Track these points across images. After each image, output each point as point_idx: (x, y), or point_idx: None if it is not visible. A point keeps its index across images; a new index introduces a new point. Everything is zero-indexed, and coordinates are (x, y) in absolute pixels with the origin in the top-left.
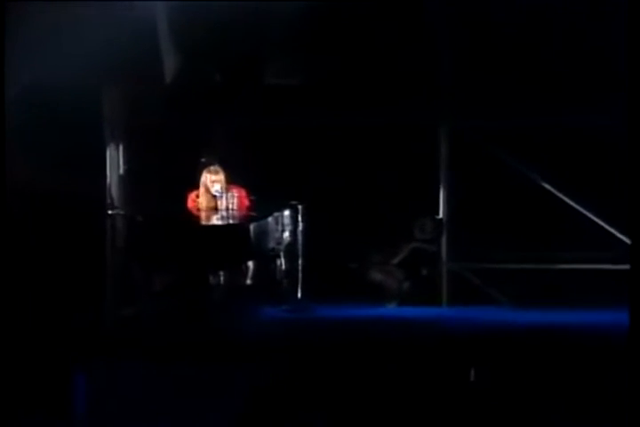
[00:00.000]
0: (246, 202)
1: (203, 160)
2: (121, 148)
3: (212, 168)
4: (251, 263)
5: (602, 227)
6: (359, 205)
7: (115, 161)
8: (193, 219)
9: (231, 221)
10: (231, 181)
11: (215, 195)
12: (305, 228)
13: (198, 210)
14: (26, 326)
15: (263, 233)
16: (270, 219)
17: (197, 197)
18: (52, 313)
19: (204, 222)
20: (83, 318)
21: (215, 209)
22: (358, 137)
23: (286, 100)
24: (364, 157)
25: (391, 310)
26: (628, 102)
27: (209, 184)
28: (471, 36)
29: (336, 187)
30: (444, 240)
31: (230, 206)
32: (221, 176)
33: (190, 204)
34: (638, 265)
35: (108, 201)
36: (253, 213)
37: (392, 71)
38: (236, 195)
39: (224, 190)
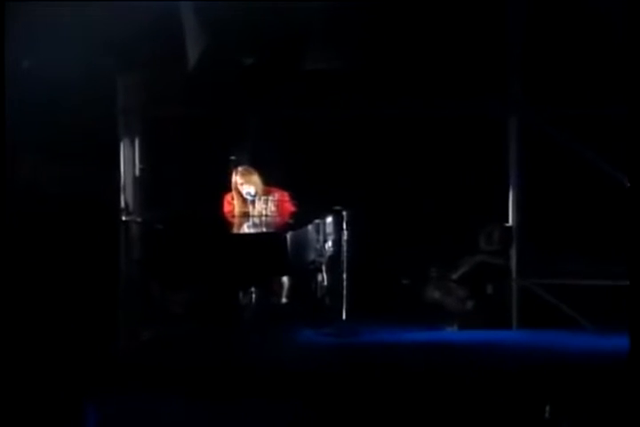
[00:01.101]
0: (289, 207)
1: (233, 158)
2: (137, 143)
3: (240, 169)
4: (287, 279)
5: None
6: (414, 210)
7: (130, 159)
8: (221, 227)
9: (265, 230)
10: (271, 182)
11: (247, 198)
12: (351, 237)
13: (234, 215)
14: (29, 351)
15: (302, 243)
16: (310, 227)
17: (233, 199)
18: (58, 338)
19: (234, 231)
20: (93, 343)
21: (247, 215)
22: (414, 132)
23: (332, 88)
24: (421, 155)
25: (451, 333)
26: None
27: (239, 187)
28: (541, 23)
29: (387, 190)
30: (513, 252)
31: (265, 212)
32: (252, 178)
33: (226, 207)
34: None
35: (122, 206)
36: (291, 221)
37: (453, 57)
38: (275, 199)
39: (258, 193)
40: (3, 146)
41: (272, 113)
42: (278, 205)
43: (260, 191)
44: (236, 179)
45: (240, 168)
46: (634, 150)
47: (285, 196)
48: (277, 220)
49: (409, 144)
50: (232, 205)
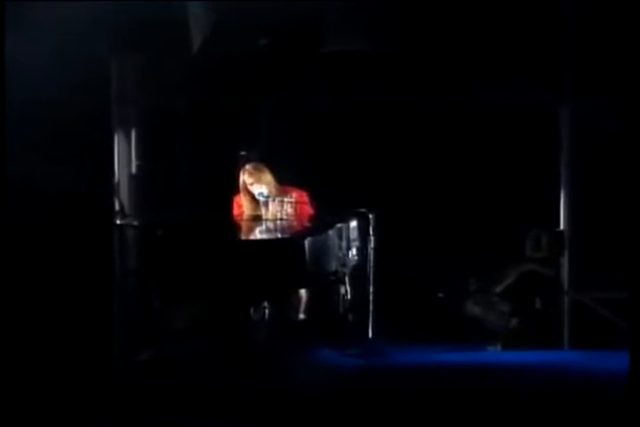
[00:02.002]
0: (308, 209)
1: (243, 154)
2: (133, 137)
3: (248, 167)
4: (305, 292)
5: None
6: (451, 213)
7: (125, 154)
8: (230, 232)
9: (280, 235)
10: (286, 181)
11: (259, 200)
12: (378, 244)
13: (244, 219)
14: (11, 375)
15: (322, 251)
16: (332, 232)
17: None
18: (44, 359)
19: (245, 237)
20: (85, 365)
21: (260, 218)
22: (451, 124)
23: (357, 74)
24: (459, 151)
25: (494, 354)
26: None
27: (248, 187)
28: (594, 10)
29: (420, 189)
30: (564, 260)
31: (280, 215)
32: (263, 176)
33: (236, 210)
34: None
35: (116, 208)
36: (310, 225)
37: (497, 40)
38: (292, 200)
39: (272, 194)
40: (3, 145)
41: (287, 102)
42: (295, 206)
43: (273, 191)
44: (244, 178)
45: (248, 166)
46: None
47: (304, 196)
48: (294, 224)
49: (445, 138)
50: (242, 208)
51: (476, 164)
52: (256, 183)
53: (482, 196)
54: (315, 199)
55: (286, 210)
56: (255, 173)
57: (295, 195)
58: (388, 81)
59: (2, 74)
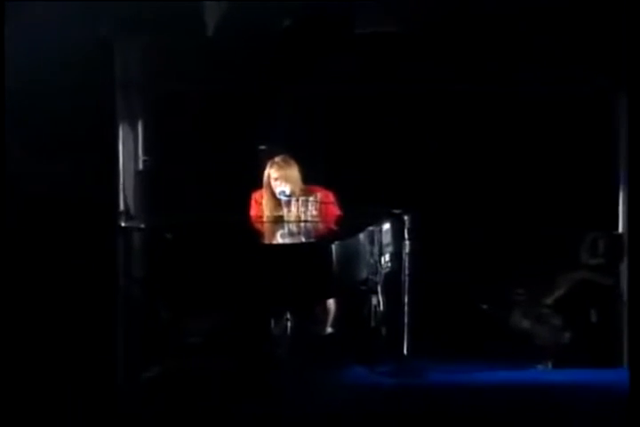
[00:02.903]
0: (335, 210)
1: (262, 148)
2: (140, 128)
3: (277, 160)
4: (332, 303)
5: None
6: (496, 214)
7: (130, 149)
8: (248, 236)
9: (303, 239)
10: (312, 179)
11: (280, 199)
12: (414, 249)
13: (263, 220)
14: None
15: (351, 257)
16: (362, 236)
17: (263, 199)
18: (45, 377)
19: (264, 241)
20: (87, 382)
21: (281, 220)
22: (496, 113)
23: (392, 57)
24: (504, 144)
25: (544, 373)
26: None
27: (272, 183)
28: None
29: (461, 188)
30: (624, 267)
31: (304, 216)
32: (290, 172)
33: (253, 210)
34: None
35: (121, 209)
36: (337, 228)
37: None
38: (317, 200)
39: (295, 193)
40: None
41: (311, 90)
42: (320, 207)
43: (297, 190)
44: (270, 172)
45: (277, 158)
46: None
47: (330, 196)
48: (320, 226)
49: (490, 129)
50: (261, 206)
51: (523, 159)
52: (281, 179)
53: (531, 195)
54: (342, 199)
55: (311, 211)
56: (284, 166)
57: (320, 195)
58: (425, 66)
59: (2, 74)
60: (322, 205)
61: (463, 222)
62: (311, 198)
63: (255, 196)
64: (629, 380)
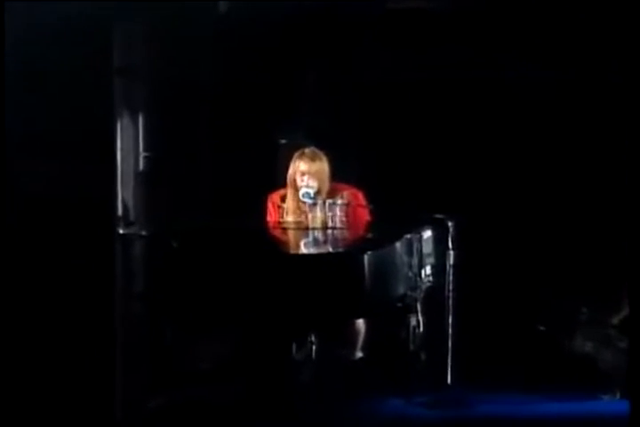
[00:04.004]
0: (365, 215)
1: (283, 142)
2: (140, 120)
3: (306, 151)
4: (364, 323)
5: None
6: (553, 222)
7: (130, 144)
8: (266, 245)
9: (330, 249)
10: (339, 177)
11: (304, 201)
12: (460, 260)
13: (283, 226)
14: None
15: (386, 270)
16: (398, 245)
17: (283, 201)
18: (34, 408)
19: (285, 250)
20: (83, 413)
21: (304, 225)
22: (550, 101)
23: (427, 39)
24: (563, 138)
25: (610, 403)
26: None
27: (297, 179)
28: None
29: (515, 188)
30: None
31: (330, 222)
32: (318, 166)
33: (271, 213)
34: None
35: (119, 213)
36: (369, 235)
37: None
38: (344, 201)
39: (322, 192)
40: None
41: (337, 77)
42: (348, 211)
43: (323, 190)
44: (297, 166)
45: (306, 150)
46: None
47: (359, 197)
48: (349, 233)
49: (547, 122)
50: (280, 210)
51: (586, 158)
52: (309, 175)
53: (593, 201)
54: (375, 201)
55: (340, 216)
56: (314, 159)
57: (348, 195)
58: (465, 49)
59: (2, 73)
60: (349, 207)
61: (518, 230)
62: (339, 201)
63: (273, 198)
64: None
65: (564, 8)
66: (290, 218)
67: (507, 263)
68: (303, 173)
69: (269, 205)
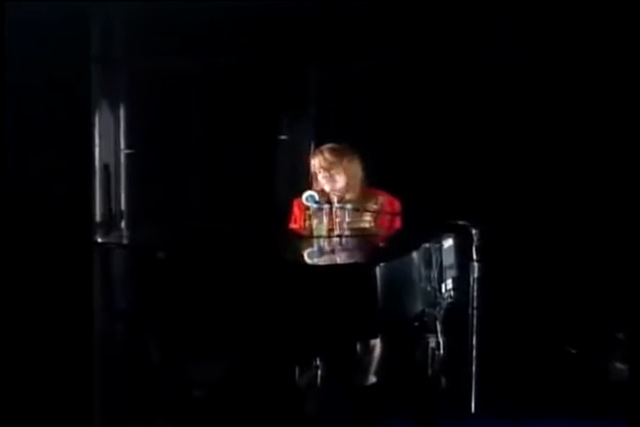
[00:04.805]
0: (398, 224)
1: (283, 138)
2: (122, 114)
3: (323, 148)
4: (376, 345)
5: None
6: (588, 229)
7: (109, 139)
8: (267, 255)
9: (338, 260)
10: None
11: (308, 205)
12: (484, 273)
13: (306, 231)
14: None
15: (401, 284)
16: (416, 255)
17: (316, 201)
18: None
19: (288, 262)
20: None
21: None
22: (584, 90)
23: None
24: (600, 137)
25: None
26: None
27: (319, 181)
28: None
29: (547, 193)
30: None
31: (339, 228)
32: (345, 164)
33: (295, 219)
34: None
35: (97, 219)
36: (383, 244)
37: None
38: (377, 207)
39: (344, 194)
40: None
41: (348, 65)
42: (385, 219)
43: (350, 191)
44: (314, 165)
45: (324, 147)
46: None
47: (396, 206)
48: (362, 242)
49: (580, 123)
50: (304, 218)
51: (626, 160)
52: (329, 176)
53: (634, 207)
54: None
55: (368, 222)
56: (334, 156)
57: (383, 201)
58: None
59: (2, 74)
60: (382, 215)
61: (551, 239)
62: (374, 205)
63: (299, 202)
64: None
65: None
66: (308, 224)
67: (538, 277)
68: (322, 173)
69: (295, 209)
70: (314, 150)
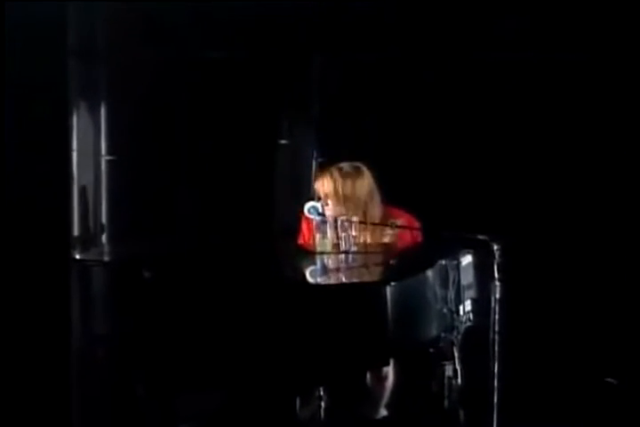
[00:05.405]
0: (418, 239)
1: (283, 143)
2: (103, 116)
3: (339, 166)
4: (387, 373)
5: None
6: (626, 241)
7: (89, 145)
8: (265, 275)
9: (344, 279)
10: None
11: (311, 217)
12: (507, 294)
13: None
14: None
15: (415, 306)
16: (431, 274)
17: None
18: None
19: (287, 281)
20: None
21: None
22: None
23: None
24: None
25: None
26: None
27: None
28: None
29: (579, 203)
30: None
31: (345, 244)
32: (352, 187)
33: (303, 234)
34: None
35: (75, 233)
36: (394, 261)
37: None
38: (394, 233)
39: (375, 215)
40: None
41: (348, 58)
42: (405, 238)
43: (365, 218)
44: (319, 184)
45: (343, 164)
46: None
47: (415, 224)
48: (372, 259)
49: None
50: (314, 234)
51: None
52: (331, 199)
53: None
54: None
55: (353, 235)
56: (344, 177)
57: (402, 223)
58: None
59: (2, 75)
60: (403, 233)
61: (581, 256)
62: (355, 218)
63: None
64: None
65: None
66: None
67: (566, 298)
68: (324, 196)
69: (303, 225)
70: (317, 172)
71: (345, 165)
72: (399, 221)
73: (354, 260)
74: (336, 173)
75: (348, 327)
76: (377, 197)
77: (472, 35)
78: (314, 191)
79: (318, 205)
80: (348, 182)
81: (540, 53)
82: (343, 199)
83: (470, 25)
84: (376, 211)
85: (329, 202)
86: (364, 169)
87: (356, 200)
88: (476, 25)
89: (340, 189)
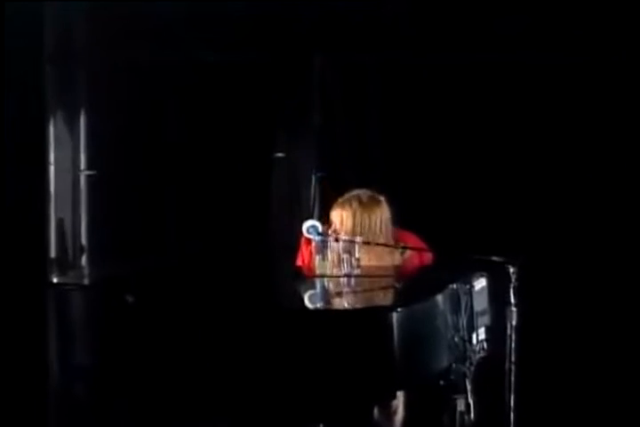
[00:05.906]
0: (428, 260)
1: (279, 156)
2: (82, 125)
3: (355, 195)
4: (393, 407)
5: None
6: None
7: (67, 157)
8: (261, 300)
9: (346, 304)
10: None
11: (310, 237)
12: (524, 321)
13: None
14: None
15: (423, 334)
16: (441, 299)
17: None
18: None
19: (285, 306)
20: None
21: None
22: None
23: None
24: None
25: None
26: None
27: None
28: None
29: (594, 225)
30: None
31: (348, 266)
32: (367, 218)
33: (303, 256)
34: None
35: (52, 255)
36: (400, 285)
37: None
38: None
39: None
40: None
41: (354, 60)
42: (416, 262)
43: (389, 238)
44: (335, 214)
45: (362, 195)
46: None
47: (420, 243)
48: (378, 283)
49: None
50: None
51: None
52: (344, 228)
53: None
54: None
55: (356, 257)
56: (361, 208)
57: (411, 243)
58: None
59: (2, 75)
60: (413, 256)
61: (604, 280)
62: (358, 239)
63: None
64: None
65: None
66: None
67: (588, 325)
68: (339, 225)
69: (303, 246)
70: (334, 203)
71: (364, 196)
72: (410, 241)
73: (357, 283)
74: (355, 204)
75: (351, 357)
76: (390, 226)
77: (474, 36)
78: (312, 207)
79: (318, 224)
80: (367, 216)
81: (545, 57)
82: (360, 232)
83: (471, 26)
84: (387, 237)
85: (341, 232)
86: (382, 200)
87: (371, 234)
88: (476, 26)
89: (359, 223)
